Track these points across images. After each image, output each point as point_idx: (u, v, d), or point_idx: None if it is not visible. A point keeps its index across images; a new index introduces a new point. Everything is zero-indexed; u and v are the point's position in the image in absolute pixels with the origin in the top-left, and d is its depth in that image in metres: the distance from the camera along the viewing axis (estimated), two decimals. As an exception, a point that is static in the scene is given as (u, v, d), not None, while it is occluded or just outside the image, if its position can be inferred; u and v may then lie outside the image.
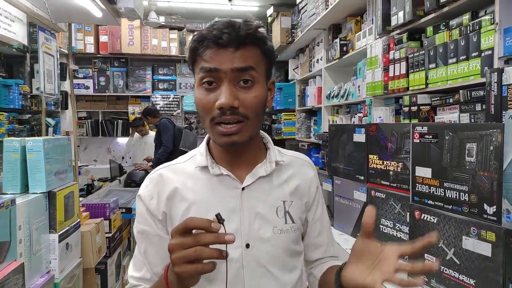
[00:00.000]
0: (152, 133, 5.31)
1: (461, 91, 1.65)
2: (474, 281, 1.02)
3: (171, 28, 5.77)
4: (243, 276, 0.81)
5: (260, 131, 0.91)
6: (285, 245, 0.85)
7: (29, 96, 4.10)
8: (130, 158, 5.20)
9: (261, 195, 0.84)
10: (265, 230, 0.83)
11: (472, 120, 1.61)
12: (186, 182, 0.85)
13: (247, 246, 0.82)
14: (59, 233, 1.49)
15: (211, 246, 0.62)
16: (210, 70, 0.75)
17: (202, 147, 0.88)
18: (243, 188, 0.83)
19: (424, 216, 1.17)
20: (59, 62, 1.96)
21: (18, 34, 1.58)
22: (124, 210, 2.59)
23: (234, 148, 0.82)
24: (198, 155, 0.88)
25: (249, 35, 0.76)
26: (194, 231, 0.62)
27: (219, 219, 0.62)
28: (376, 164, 1.53)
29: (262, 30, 0.81)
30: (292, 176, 0.90)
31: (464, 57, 1.66)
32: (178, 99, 5.93)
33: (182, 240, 0.61)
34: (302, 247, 0.92)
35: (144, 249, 0.85)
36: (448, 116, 1.76)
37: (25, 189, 1.42)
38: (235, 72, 0.75)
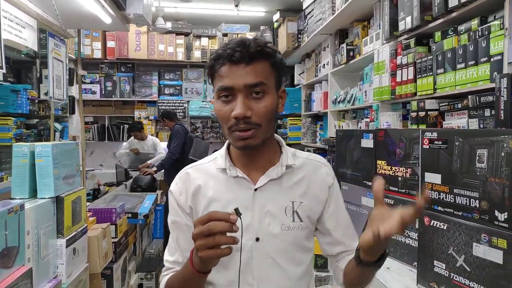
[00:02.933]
0: (150, 138, 5.28)
1: (469, 96, 1.64)
2: (486, 289, 1.00)
3: (178, 34, 5.80)
4: (253, 265, 0.92)
5: (275, 135, 1.01)
6: (293, 241, 0.94)
7: (36, 101, 4.13)
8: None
9: (271, 195, 0.94)
10: (274, 226, 0.93)
11: (481, 126, 1.60)
12: (208, 181, 0.97)
13: (257, 239, 0.92)
14: (67, 238, 1.49)
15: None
16: (226, 89, 0.86)
17: (223, 150, 1.00)
18: (255, 189, 0.94)
19: (434, 223, 1.16)
20: (68, 67, 1.97)
21: (28, 40, 1.59)
22: (130, 215, 2.59)
23: (250, 151, 0.92)
24: (219, 157, 1.00)
25: (258, 51, 0.87)
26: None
27: (237, 212, 0.73)
28: (384, 169, 1.52)
29: (270, 45, 0.91)
30: (304, 179, 0.98)
31: (473, 62, 1.65)
32: (184, 104, 5.95)
33: (202, 228, 0.72)
34: (312, 244, 1.00)
35: (176, 236, 0.99)
36: (456, 121, 1.75)
37: (33, 194, 1.42)
38: (248, 87, 0.86)
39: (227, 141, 1.00)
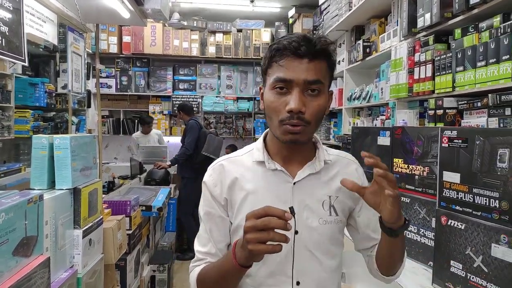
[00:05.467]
0: (154, 131, 5.38)
1: (490, 95, 1.61)
2: (504, 290, 0.99)
3: (193, 29, 5.82)
4: (292, 258, 0.92)
5: None
6: (330, 234, 0.95)
7: (54, 94, 4.20)
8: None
9: (310, 189, 0.95)
10: (312, 220, 0.94)
11: (501, 125, 1.56)
12: (244, 174, 0.97)
13: (296, 232, 0.92)
14: (83, 229, 1.51)
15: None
16: (284, 80, 0.86)
17: (259, 143, 1.00)
18: (294, 183, 0.94)
19: (451, 222, 1.14)
20: (86, 61, 2.00)
21: (49, 34, 1.62)
22: (144, 208, 2.61)
23: (294, 146, 0.92)
24: (255, 150, 0.99)
25: (323, 50, 0.88)
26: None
27: (292, 211, 0.74)
28: (401, 168, 1.50)
29: (333, 46, 0.92)
30: (338, 174, 0.98)
31: (494, 60, 1.61)
32: (198, 99, 5.97)
33: (256, 222, 0.72)
34: (343, 238, 1.01)
35: (209, 228, 0.98)
36: (475, 120, 1.72)
37: (51, 185, 1.44)
38: (306, 83, 0.86)
39: (262, 134, 1.02)
